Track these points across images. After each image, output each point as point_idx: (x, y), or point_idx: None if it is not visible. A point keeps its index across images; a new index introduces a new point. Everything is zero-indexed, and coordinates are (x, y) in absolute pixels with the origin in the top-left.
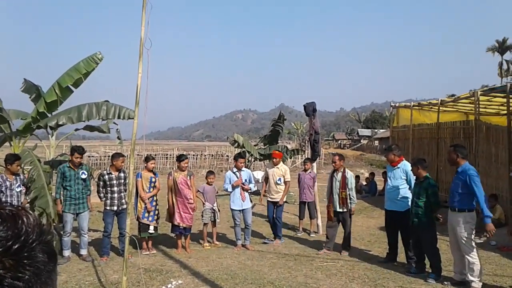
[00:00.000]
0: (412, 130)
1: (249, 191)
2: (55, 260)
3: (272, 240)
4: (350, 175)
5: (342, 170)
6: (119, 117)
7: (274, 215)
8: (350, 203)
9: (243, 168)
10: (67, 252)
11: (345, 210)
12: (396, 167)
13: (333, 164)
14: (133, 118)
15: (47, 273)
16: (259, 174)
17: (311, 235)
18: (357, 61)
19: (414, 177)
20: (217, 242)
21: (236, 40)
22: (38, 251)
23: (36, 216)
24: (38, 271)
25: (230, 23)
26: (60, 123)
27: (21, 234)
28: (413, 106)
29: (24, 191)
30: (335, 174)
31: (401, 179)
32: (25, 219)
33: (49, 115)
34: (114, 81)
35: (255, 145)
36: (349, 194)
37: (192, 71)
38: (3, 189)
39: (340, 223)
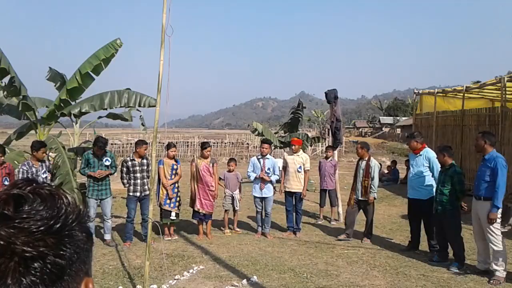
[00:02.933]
0: (436, 117)
1: (271, 182)
2: (92, 240)
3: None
4: (374, 164)
5: (367, 159)
6: (140, 105)
7: (295, 207)
8: (370, 192)
9: (268, 156)
10: None
11: (366, 199)
12: (418, 154)
13: (357, 154)
14: (153, 106)
15: (85, 252)
16: (279, 163)
17: (332, 222)
18: (379, 48)
19: (439, 164)
20: (238, 229)
21: (256, 27)
22: (78, 231)
23: (73, 197)
24: (78, 249)
25: (250, 10)
26: (83, 110)
27: (62, 213)
28: (437, 93)
29: (49, 177)
30: (360, 162)
31: (424, 166)
32: (64, 198)
33: (72, 102)
34: (138, 70)
35: (275, 133)
36: (372, 184)
37: (212, 59)
38: (29, 175)
39: (362, 211)
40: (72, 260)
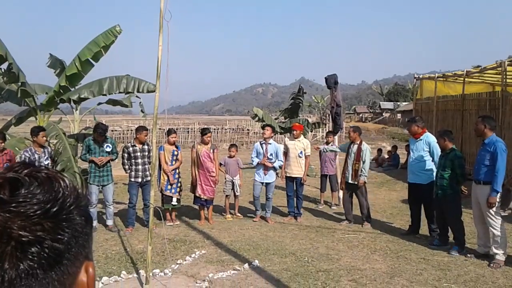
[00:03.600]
0: (436, 102)
1: (274, 168)
2: (91, 224)
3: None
4: (365, 147)
5: (358, 142)
6: (138, 91)
7: (296, 192)
8: (360, 175)
9: (271, 141)
10: (93, 223)
11: (356, 182)
12: (419, 139)
13: (349, 137)
14: (152, 91)
15: (84, 236)
16: (281, 148)
17: (332, 207)
18: (379, 33)
19: (439, 149)
20: (239, 214)
21: (256, 13)
22: (76, 214)
23: (71, 180)
24: (76, 233)
25: None
26: (82, 96)
27: (59, 197)
28: (438, 77)
29: (51, 164)
30: (351, 146)
31: (424, 151)
32: (61, 182)
33: (71, 89)
34: (137, 57)
35: (275, 119)
36: (362, 167)
37: (212, 44)
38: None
39: (355, 195)
40: (70, 244)
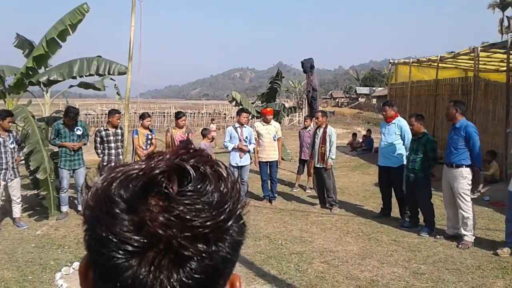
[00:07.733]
0: (410, 87)
1: (249, 151)
2: (245, 230)
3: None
4: (332, 131)
5: (324, 126)
6: (109, 73)
7: (271, 176)
8: (328, 157)
9: (245, 125)
10: (64, 208)
11: (323, 165)
12: (391, 122)
13: (316, 121)
14: (124, 73)
15: (239, 248)
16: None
17: (307, 190)
18: (355, 18)
19: (410, 133)
20: None
21: None
22: (237, 223)
23: (233, 174)
24: (235, 245)
25: None
26: (51, 78)
27: (227, 202)
28: (412, 62)
29: (17, 148)
30: (317, 130)
31: (396, 134)
32: (228, 179)
33: (39, 70)
34: (110, 38)
35: (252, 103)
36: (329, 150)
37: (189, 28)
38: None
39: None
40: (228, 259)
